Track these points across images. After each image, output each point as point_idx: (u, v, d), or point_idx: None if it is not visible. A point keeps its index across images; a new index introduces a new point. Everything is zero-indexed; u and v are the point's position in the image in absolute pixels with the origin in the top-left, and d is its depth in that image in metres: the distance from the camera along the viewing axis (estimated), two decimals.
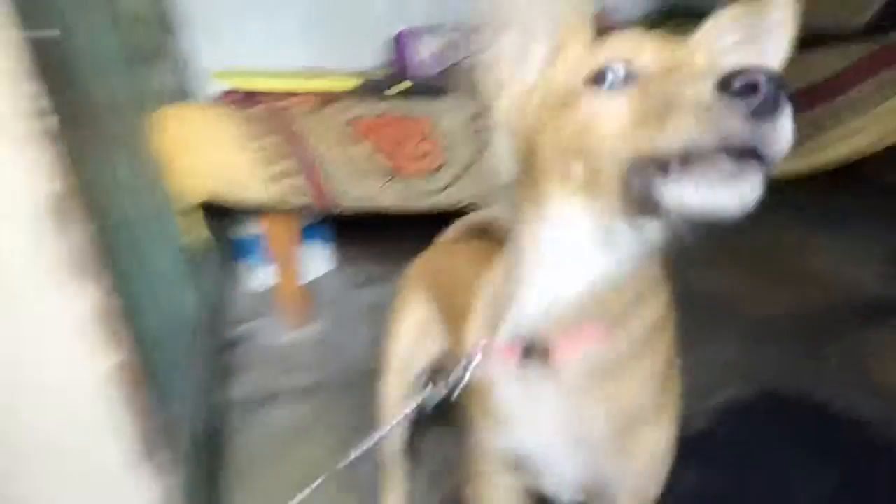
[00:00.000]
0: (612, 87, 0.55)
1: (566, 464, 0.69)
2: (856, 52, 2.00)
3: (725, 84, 0.46)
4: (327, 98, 1.84)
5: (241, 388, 1.74)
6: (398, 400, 1.09)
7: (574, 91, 0.57)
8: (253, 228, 2.13)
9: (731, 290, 1.98)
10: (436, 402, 0.75)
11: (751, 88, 0.45)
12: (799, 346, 1.68)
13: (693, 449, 1.34)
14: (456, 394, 0.72)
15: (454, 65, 2.54)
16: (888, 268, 2.02)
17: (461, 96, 1.78)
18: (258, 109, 1.68)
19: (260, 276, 2.24)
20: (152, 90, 1.54)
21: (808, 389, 1.50)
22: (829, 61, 2.03)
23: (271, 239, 1.89)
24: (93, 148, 0.96)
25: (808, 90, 2.00)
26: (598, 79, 0.56)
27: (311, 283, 2.21)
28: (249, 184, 1.60)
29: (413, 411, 0.79)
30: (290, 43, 2.49)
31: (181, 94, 1.99)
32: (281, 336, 1.99)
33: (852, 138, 1.99)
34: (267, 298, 2.18)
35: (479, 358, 0.69)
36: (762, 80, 0.45)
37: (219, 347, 1.80)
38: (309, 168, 1.65)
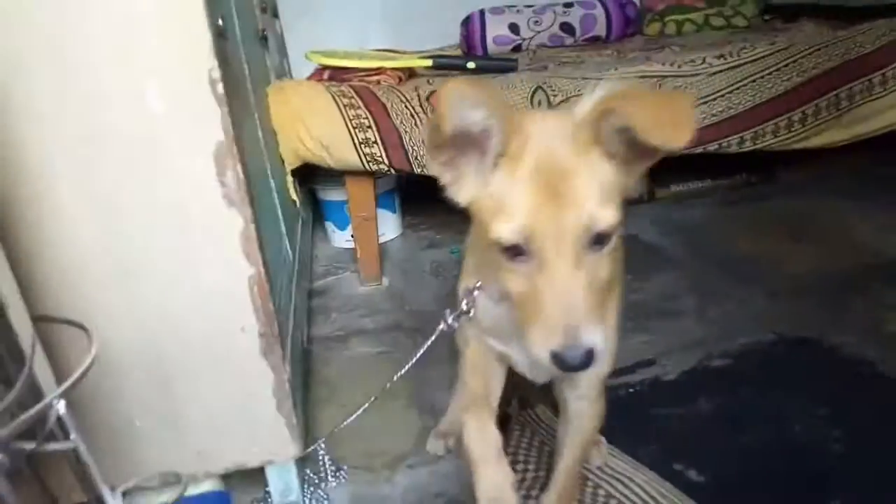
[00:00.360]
0: (517, 258, 0.74)
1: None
2: (893, 27, 2.13)
3: (555, 357, 0.71)
4: (407, 75, 2.09)
5: (325, 327, 2.04)
6: None
7: (491, 245, 0.76)
8: (338, 195, 2.42)
9: (766, 252, 2.15)
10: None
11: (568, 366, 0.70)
12: (821, 300, 1.85)
13: (714, 381, 1.57)
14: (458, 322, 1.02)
15: (519, 44, 2.76)
16: None
17: (523, 73, 2.00)
18: (347, 85, 1.94)
19: (342, 237, 2.55)
20: (267, 67, 1.83)
21: (823, 336, 1.68)
22: (869, 36, 2.16)
23: (353, 203, 2.16)
24: (240, 112, 1.23)
25: (847, 64, 2.14)
26: (504, 250, 0.74)
27: (382, 245, 2.49)
28: (343, 148, 1.88)
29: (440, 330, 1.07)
30: (371, 26, 2.77)
31: (281, 71, 2.28)
32: (358, 287, 2.27)
33: (885, 113, 2.12)
34: (347, 256, 2.48)
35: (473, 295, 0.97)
36: (575, 363, 0.70)
37: (307, 293, 2.09)
38: (388, 138, 1.90)
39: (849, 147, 2.46)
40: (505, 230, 0.72)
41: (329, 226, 2.60)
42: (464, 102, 0.69)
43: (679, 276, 2.09)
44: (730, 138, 2.16)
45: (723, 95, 2.12)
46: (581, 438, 1.07)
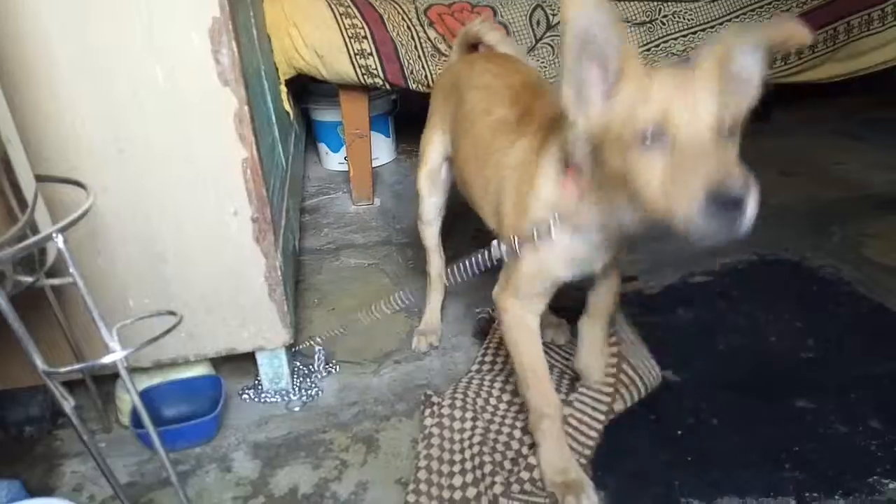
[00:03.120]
0: (650, 144, 0.79)
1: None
2: None
3: (711, 196, 0.73)
4: None
5: (316, 241, 2.06)
6: (428, 187, 1.45)
7: (625, 139, 0.82)
8: (332, 116, 2.41)
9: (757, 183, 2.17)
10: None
11: (727, 204, 0.73)
12: (805, 227, 1.90)
13: (693, 295, 1.62)
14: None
15: None
16: None
17: None
18: None
19: (335, 159, 2.55)
20: None
21: (803, 259, 1.73)
22: None
23: (346, 119, 2.16)
24: (236, 2, 1.23)
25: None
26: (641, 137, 0.80)
27: (375, 169, 2.49)
28: (338, 58, 1.88)
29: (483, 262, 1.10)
30: None
31: None
32: (349, 206, 2.29)
33: (884, 48, 2.13)
34: (340, 178, 2.50)
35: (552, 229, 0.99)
36: (734, 196, 0.73)
37: (299, 209, 2.11)
38: (383, 49, 1.90)
39: (841, 91, 2.47)
40: (647, 115, 0.79)
41: (322, 147, 2.60)
42: (585, 12, 0.78)
43: None
44: None
45: (722, 24, 2.11)
46: (614, 293, 1.24)
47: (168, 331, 0.72)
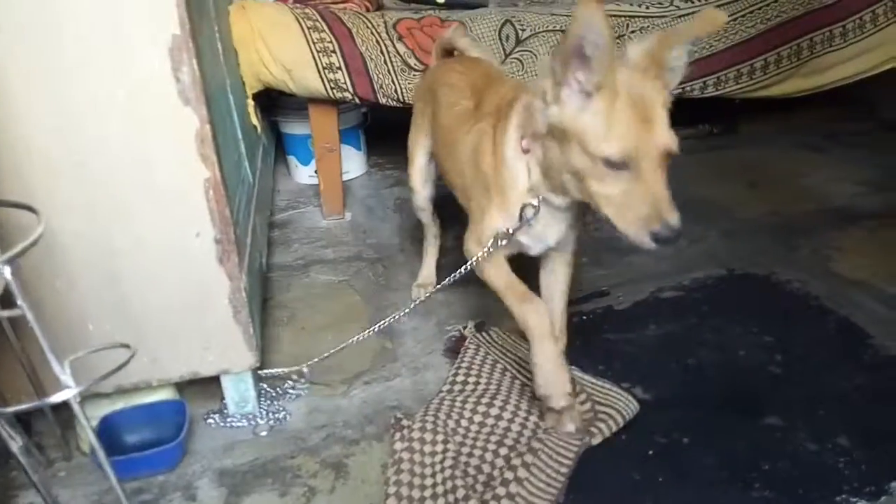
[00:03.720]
0: (616, 169, 0.98)
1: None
2: None
3: (655, 236, 0.97)
4: (374, 6, 2.05)
5: (285, 256, 2.03)
6: (419, 182, 1.64)
7: (590, 151, 0.98)
8: (301, 129, 2.38)
9: (724, 196, 2.20)
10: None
11: (669, 237, 0.96)
12: (772, 241, 1.91)
13: (663, 310, 1.62)
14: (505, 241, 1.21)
15: None
16: (865, 187, 2.22)
17: (493, 8, 1.98)
18: (311, 8, 1.90)
19: (305, 172, 2.52)
20: None
21: (772, 273, 1.75)
22: None
23: (316, 133, 2.13)
24: (199, 19, 1.20)
25: (810, 14, 2.18)
26: (607, 161, 0.97)
27: (346, 182, 2.46)
28: (306, 73, 1.85)
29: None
30: None
31: None
32: (320, 221, 2.26)
33: (846, 64, 2.17)
34: (310, 191, 2.46)
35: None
36: (672, 237, 0.97)
37: (268, 224, 2.07)
38: (352, 64, 1.88)
39: (805, 104, 2.52)
40: (615, 149, 0.96)
41: (292, 160, 2.56)
42: (595, 17, 0.89)
43: None
44: (693, 83, 2.18)
45: None
46: (566, 285, 1.36)
47: (121, 366, 0.69)
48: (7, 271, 0.67)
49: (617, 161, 0.96)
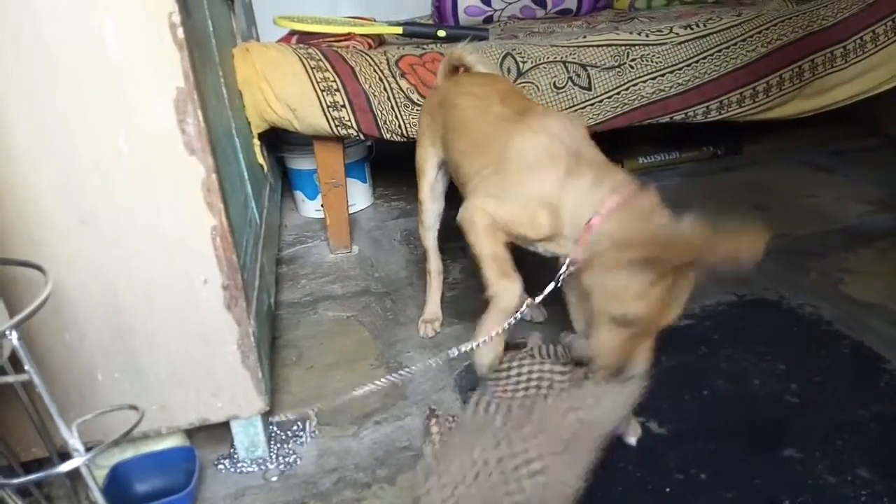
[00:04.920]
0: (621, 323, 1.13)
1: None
2: (854, 2, 2.17)
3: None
4: (377, 42, 2.07)
5: (293, 293, 2.03)
6: (429, 196, 1.66)
7: (603, 298, 1.14)
8: (307, 164, 2.40)
9: (730, 219, 2.18)
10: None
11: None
12: (782, 264, 1.89)
13: (675, 341, 1.60)
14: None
15: (490, 15, 2.75)
16: (874, 206, 2.21)
17: (493, 41, 2.00)
18: (314, 48, 1.93)
19: (311, 206, 2.53)
20: (233, 30, 1.80)
21: (782, 298, 1.73)
22: (830, 9, 2.20)
23: (322, 169, 2.14)
24: (203, 66, 1.22)
25: (810, 36, 2.18)
26: (618, 317, 1.13)
27: (352, 215, 2.48)
28: (310, 112, 1.87)
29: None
30: None
31: (248, 35, 2.24)
32: (327, 255, 2.27)
33: (849, 84, 2.17)
34: (317, 225, 2.47)
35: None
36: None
37: (276, 260, 2.08)
38: (356, 101, 1.89)
39: (811, 123, 2.51)
40: (632, 317, 1.09)
41: (298, 195, 2.58)
42: None
43: None
44: (696, 107, 2.18)
45: (689, 65, 2.14)
46: None
47: (130, 430, 0.69)
48: (14, 337, 0.67)
49: (627, 318, 1.09)
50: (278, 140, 2.45)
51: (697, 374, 1.47)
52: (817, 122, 2.57)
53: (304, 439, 1.38)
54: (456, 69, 1.70)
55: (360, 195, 2.59)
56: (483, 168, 1.34)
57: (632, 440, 1.28)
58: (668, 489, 1.18)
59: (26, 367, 0.68)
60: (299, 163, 2.46)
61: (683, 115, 2.19)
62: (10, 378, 0.67)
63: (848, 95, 2.28)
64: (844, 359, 1.49)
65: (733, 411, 1.36)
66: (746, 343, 1.56)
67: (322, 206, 2.27)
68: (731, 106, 2.22)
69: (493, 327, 1.22)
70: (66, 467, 0.64)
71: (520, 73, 2.00)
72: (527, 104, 1.39)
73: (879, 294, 1.70)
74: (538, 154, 1.23)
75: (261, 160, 1.96)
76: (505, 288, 1.22)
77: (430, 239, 1.72)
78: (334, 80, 1.88)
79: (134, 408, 0.71)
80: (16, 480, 0.62)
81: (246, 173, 1.67)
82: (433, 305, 1.77)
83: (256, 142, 1.94)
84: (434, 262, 1.74)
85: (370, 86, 1.90)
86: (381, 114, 1.93)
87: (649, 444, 1.28)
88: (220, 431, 1.36)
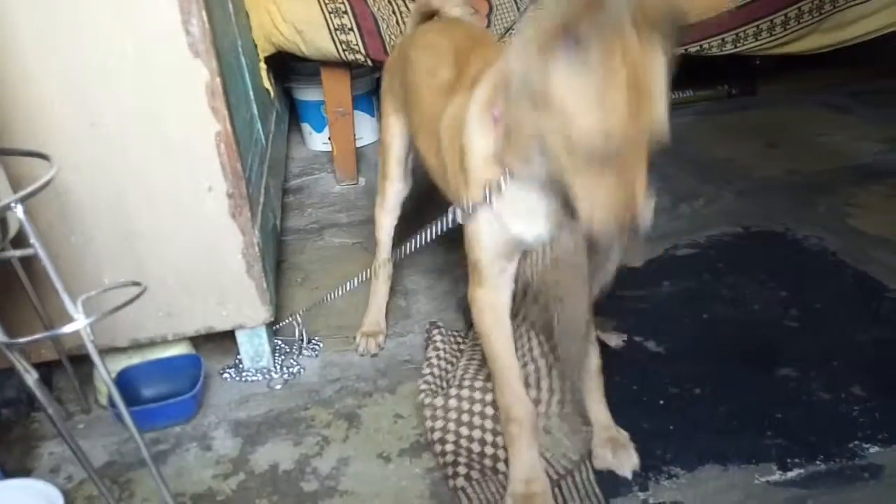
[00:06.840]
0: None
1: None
2: None
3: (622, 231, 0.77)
4: None
5: (299, 220, 2.04)
6: (396, 172, 1.41)
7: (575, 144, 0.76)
8: (315, 95, 2.38)
9: (740, 156, 2.17)
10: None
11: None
12: (790, 199, 1.88)
13: (678, 268, 1.61)
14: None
15: None
16: (888, 145, 2.18)
17: None
18: None
19: (319, 139, 2.52)
20: None
21: (788, 230, 1.72)
22: None
23: (329, 97, 2.13)
24: None
25: None
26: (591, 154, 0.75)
27: (360, 149, 2.47)
28: (318, 34, 1.85)
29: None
30: None
31: None
32: (334, 186, 2.27)
33: (868, 18, 2.11)
34: (324, 158, 2.47)
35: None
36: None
37: (282, 189, 2.08)
38: (364, 24, 1.87)
39: (829, 63, 2.46)
40: (598, 139, 0.73)
41: (305, 127, 2.57)
42: None
43: (653, 178, 2.10)
44: (711, 40, 2.13)
45: None
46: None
47: (131, 300, 0.71)
48: (20, 210, 0.68)
49: (602, 152, 0.75)
50: (286, 70, 2.43)
51: (698, 298, 1.48)
52: (835, 64, 2.51)
53: (303, 351, 1.40)
54: (430, 18, 1.37)
55: (367, 128, 2.57)
56: (437, 164, 1.10)
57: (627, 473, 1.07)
58: (661, 402, 1.20)
59: (32, 240, 0.69)
60: (306, 93, 2.44)
61: (699, 48, 2.14)
62: (19, 252, 0.69)
63: (868, 30, 2.21)
64: (846, 287, 1.49)
65: (731, 333, 1.37)
66: (749, 271, 1.56)
67: (329, 138, 2.26)
68: (748, 39, 2.16)
69: (524, 461, 1.02)
70: (70, 328, 0.66)
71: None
72: (475, 59, 1.06)
73: (887, 228, 1.69)
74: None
75: (267, 85, 1.94)
76: (510, 419, 1.04)
77: (387, 227, 1.45)
78: (342, 3, 1.85)
79: (137, 284, 0.72)
80: (21, 340, 0.64)
81: (252, 93, 1.66)
82: (377, 313, 1.45)
83: (263, 65, 1.92)
84: (382, 259, 1.45)
85: (378, 8, 1.87)
86: (390, 38, 1.90)
87: (645, 361, 1.30)
88: (226, 343, 1.39)
